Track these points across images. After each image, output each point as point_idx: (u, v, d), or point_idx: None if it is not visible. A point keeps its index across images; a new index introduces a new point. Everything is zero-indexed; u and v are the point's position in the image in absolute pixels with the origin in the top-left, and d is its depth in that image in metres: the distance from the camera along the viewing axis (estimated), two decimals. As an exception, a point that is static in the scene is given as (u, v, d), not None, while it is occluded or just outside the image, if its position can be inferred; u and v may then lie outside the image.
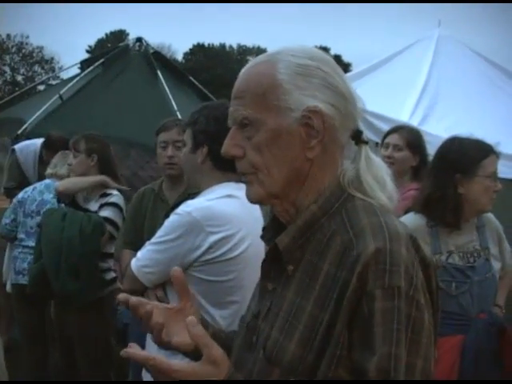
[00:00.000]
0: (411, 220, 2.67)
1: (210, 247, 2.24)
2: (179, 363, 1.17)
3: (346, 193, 1.26)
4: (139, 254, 2.38)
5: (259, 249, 1.96)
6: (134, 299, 1.37)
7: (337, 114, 1.24)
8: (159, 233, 2.34)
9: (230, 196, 2.26)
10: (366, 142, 1.33)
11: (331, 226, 1.23)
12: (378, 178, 1.29)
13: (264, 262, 1.32)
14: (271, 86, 1.23)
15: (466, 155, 2.64)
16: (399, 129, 3.70)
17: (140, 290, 2.32)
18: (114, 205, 3.84)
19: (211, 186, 2.36)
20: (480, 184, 2.60)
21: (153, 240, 2.35)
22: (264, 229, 1.39)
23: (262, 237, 1.39)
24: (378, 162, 1.32)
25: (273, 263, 1.30)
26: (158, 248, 2.31)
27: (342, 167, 1.29)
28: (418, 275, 1.16)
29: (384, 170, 1.32)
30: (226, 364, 1.18)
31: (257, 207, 2.03)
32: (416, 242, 1.21)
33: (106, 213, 3.79)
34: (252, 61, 1.31)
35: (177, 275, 1.40)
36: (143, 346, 2.30)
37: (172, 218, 2.32)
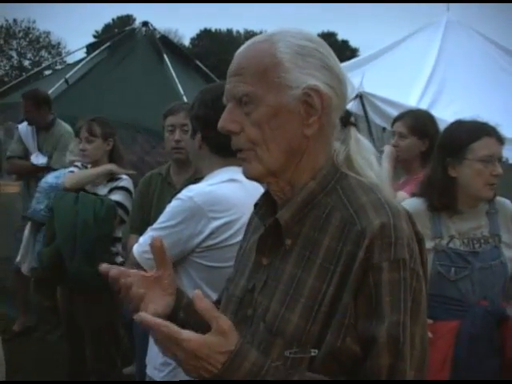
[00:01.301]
0: (411, 204, 2.64)
1: (211, 233, 2.22)
2: (190, 333, 1.17)
3: (339, 171, 1.33)
4: (141, 239, 2.37)
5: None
6: (114, 271, 1.42)
7: (333, 94, 1.29)
8: (161, 218, 2.33)
9: (232, 180, 2.24)
10: (355, 124, 1.39)
11: (329, 202, 1.29)
12: (366, 159, 1.37)
13: (261, 236, 1.36)
14: (272, 63, 1.26)
15: (456, 138, 2.60)
16: (404, 115, 3.64)
17: None
18: (124, 189, 3.82)
19: (213, 171, 2.35)
20: (470, 168, 2.55)
21: (155, 225, 2.34)
22: (256, 205, 1.45)
23: (256, 213, 1.44)
24: (366, 144, 1.40)
25: (269, 238, 1.34)
26: (159, 233, 2.29)
27: (334, 147, 1.35)
28: (415, 249, 1.24)
29: (371, 151, 1.39)
30: (235, 335, 1.20)
31: (260, 191, 2.03)
32: (411, 217, 1.29)
33: (116, 197, 3.76)
34: (250, 40, 1.34)
35: (156, 244, 1.42)
36: (148, 332, 2.29)
37: (174, 202, 2.30)
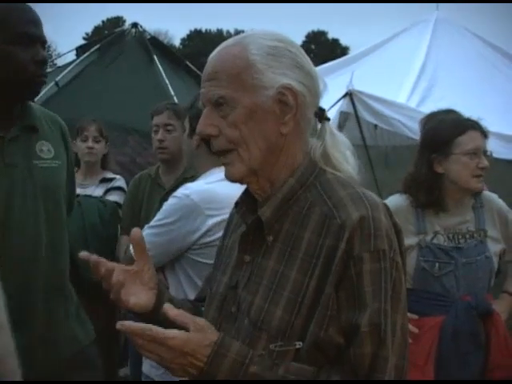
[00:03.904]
0: (394, 200, 2.66)
1: (208, 230, 2.25)
2: (174, 331, 1.20)
3: (317, 167, 1.36)
4: None
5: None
6: (95, 257, 1.43)
7: (306, 91, 1.33)
8: (158, 216, 2.34)
9: None
10: (329, 119, 1.41)
11: (308, 198, 1.32)
12: (343, 153, 1.39)
13: (243, 234, 1.38)
14: (245, 66, 1.30)
15: (441, 134, 2.61)
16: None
17: None
18: (120, 189, 3.87)
19: (208, 170, 2.37)
20: (457, 162, 2.55)
21: (152, 223, 2.35)
22: (237, 204, 1.48)
23: (237, 211, 1.47)
24: (341, 137, 1.42)
25: (250, 235, 1.36)
26: (156, 231, 2.31)
27: (310, 143, 1.38)
28: (394, 239, 1.28)
29: (346, 145, 1.41)
30: (213, 329, 1.25)
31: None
32: (389, 210, 1.33)
33: (114, 197, 3.80)
34: (222, 44, 1.37)
35: (136, 237, 1.44)
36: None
37: (171, 200, 2.32)
